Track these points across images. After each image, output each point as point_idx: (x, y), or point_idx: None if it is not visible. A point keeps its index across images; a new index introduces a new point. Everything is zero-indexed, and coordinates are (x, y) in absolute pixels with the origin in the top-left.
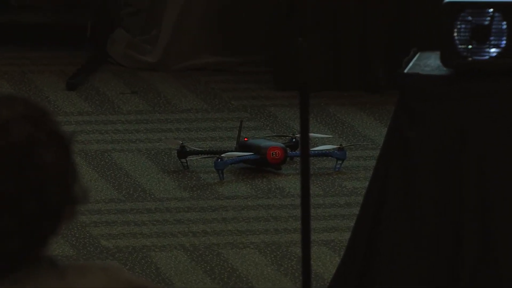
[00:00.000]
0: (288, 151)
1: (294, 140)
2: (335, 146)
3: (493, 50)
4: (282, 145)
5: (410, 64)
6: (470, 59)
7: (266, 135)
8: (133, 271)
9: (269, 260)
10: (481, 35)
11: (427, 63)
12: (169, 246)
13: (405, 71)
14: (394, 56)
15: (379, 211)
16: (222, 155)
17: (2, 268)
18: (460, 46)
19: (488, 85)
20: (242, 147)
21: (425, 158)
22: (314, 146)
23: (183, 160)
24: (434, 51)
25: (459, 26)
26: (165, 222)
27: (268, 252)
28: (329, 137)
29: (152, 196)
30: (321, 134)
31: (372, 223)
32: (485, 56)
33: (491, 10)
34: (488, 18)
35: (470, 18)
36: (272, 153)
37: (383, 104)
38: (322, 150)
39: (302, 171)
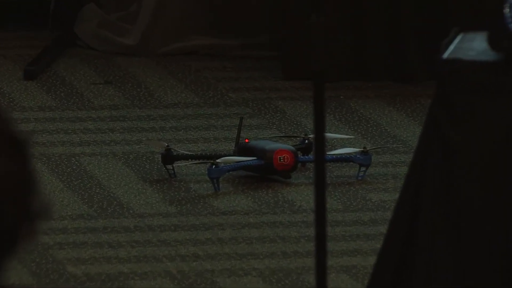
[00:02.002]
0: (299, 155)
1: (306, 141)
2: (357, 149)
3: None
4: (292, 148)
5: (451, 48)
6: None
7: (272, 136)
8: None
9: None
10: None
11: (472, 46)
12: (152, 274)
13: (445, 56)
14: (430, 38)
15: (412, 227)
16: (217, 160)
17: None
18: None
19: None
20: (242, 150)
21: (470, 162)
22: (331, 149)
23: (169, 166)
24: (480, 32)
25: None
26: (146, 243)
27: (274, 280)
28: (350, 138)
29: (131, 211)
30: (340, 134)
31: (404, 243)
32: None
33: None
34: None
35: None
36: (280, 157)
37: (417, 97)
38: (341, 154)
39: (316, 180)
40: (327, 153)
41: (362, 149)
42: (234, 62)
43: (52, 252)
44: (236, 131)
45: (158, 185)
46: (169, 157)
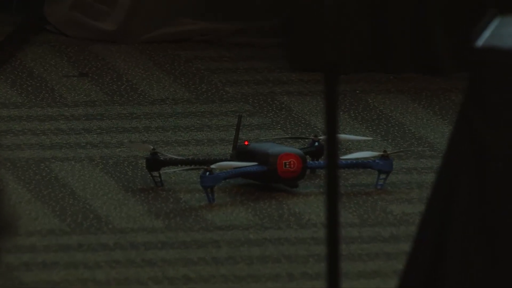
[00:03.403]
0: (307, 160)
1: (316, 144)
2: (376, 153)
3: None
4: (299, 151)
5: (486, 34)
6: None
7: (276, 137)
8: None
9: None
10: None
11: (511, 32)
12: None
13: (478, 44)
14: (461, 22)
15: (441, 246)
16: (212, 166)
17: None
18: None
19: None
20: (241, 154)
21: (507, 165)
22: (345, 153)
23: (155, 173)
24: None
25: None
26: (129, 263)
27: None
28: (368, 140)
29: (110, 226)
30: (356, 135)
31: (432, 262)
32: None
33: None
34: None
35: None
36: (285, 163)
37: (446, 92)
38: (357, 159)
39: (328, 190)
40: (341, 157)
41: (382, 153)
42: (231, 51)
43: (17, 274)
44: (234, 132)
45: (143, 195)
46: (155, 163)
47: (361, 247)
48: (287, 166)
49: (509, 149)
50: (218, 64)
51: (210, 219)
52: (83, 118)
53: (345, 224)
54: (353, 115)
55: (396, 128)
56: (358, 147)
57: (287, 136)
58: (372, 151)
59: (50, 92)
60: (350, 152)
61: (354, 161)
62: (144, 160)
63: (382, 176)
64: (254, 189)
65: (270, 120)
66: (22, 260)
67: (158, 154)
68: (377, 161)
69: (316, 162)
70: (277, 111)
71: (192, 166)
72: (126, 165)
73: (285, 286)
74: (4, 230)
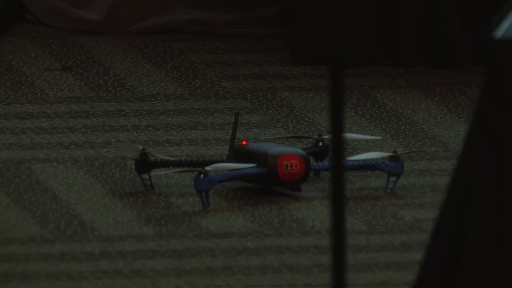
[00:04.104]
0: (311, 161)
1: (321, 144)
2: (386, 154)
3: None
4: (302, 152)
5: (506, 24)
6: None
7: (277, 137)
8: None
9: None
10: None
11: None
12: None
13: (497, 35)
14: (478, 11)
15: (456, 244)
16: (207, 168)
17: None
18: None
19: None
20: (238, 155)
21: None
22: (352, 154)
23: (145, 176)
24: None
25: None
26: (116, 274)
27: None
28: (377, 140)
29: (96, 234)
30: (364, 134)
31: (445, 274)
32: None
33: None
34: None
35: None
36: (286, 164)
37: (462, 87)
38: (365, 160)
39: (333, 194)
40: (347, 158)
41: (392, 154)
42: (227, 42)
43: None
44: (231, 131)
45: (131, 199)
46: (145, 164)
47: (369, 256)
48: (289, 168)
49: None
50: (213, 56)
51: (205, 226)
52: (67, 116)
53: (352, 231)
54: (360, 112)
55: (407, 126)
56: (366, 147)
57: (289, 136)
58: (381, 151)
59: (31, 88)
60: (357, 153)
61: (362, 163)
62: (133, 162)
63: (392, 178)
64: (253, 193)
65: (270, 118)
66: (0, 270)
67: (148, 154)
68: (386, 162)
69: (320, 163)
70: (278, 108)
71: (185, 168)
72: (113, 166)
73: None
74: None
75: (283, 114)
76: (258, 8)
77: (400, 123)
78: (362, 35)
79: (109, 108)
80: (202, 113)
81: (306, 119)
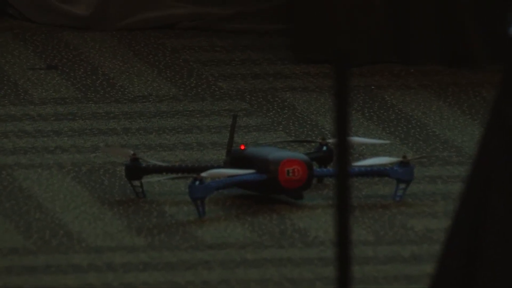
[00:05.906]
0: (314, 167)
1: (325, 148)
2: (395, 159)
3: None
4: (305, 157)
5: None
6: None
7: (278, 141)
8: None
9: None
10: None
11: None
12: None
13: None
14: (493, 8)
15: (473, 252)
16: (202, 174)
17: None
18: None
19: None
20: (236, 160)
21: None
22: (358, 159)
23: (136, 182)
24: None
25: None
26: (105, 287)
27: None
28: (385, 144)
29: (83, 245)
30: (371, 138)
31: (464, 272)
32: None
33: None
34: None
35: None
36: (288, 170)
37: (477, 87)
38: (372, 166)
39: (338, 202)
40: (353, 164)
41: (401, 159)
42: (225, 39)
43: None
44: (228, 134)
45: (121, 208)
46: (136, 170)
47: (376, 269)
48: (290, 174)
49: None
50: (210, 54)
51: (200, 236)
52: (52, 118)
53: (358, 242)
54: (367, 114)
55: (418, 129)
56: (373, 152)
57: (290, 139)
58: (389, 156)
59: (13, 88)
60: (364, 158)
61: (369, 169)
62: (123, 167)
63: (402, 186)
64: (252, 201)
65: (270, 120)
66: None
67: (140, 160)
68: (395, 168)
69: (324, 169)
70: (279, 110)
71: (179, 174)
72: (102, 173)
73: None
74: None
75: (284, 116)
76: (257, 2)
77: (410, 126)
78: (370, 30)
79: (97, 110)
80: (198, 115)
81: (309, 122)
